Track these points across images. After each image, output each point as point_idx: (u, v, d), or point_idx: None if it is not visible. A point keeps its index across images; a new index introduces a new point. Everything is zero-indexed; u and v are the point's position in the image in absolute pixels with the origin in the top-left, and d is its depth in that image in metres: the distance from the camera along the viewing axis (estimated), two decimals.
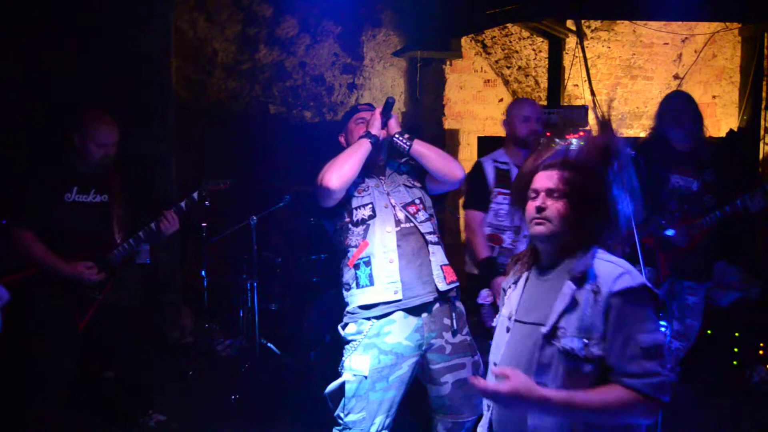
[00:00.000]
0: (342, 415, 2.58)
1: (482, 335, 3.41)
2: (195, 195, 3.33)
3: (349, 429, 2.57)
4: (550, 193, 1.79)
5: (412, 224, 2.67)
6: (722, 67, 6.75)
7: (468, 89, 6.82)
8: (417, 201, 2.75)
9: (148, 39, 4.61)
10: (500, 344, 1.85)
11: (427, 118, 6.40)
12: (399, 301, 2.56)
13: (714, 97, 6.79)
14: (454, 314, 2.66)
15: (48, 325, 3.16)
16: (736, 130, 5.62)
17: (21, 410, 3.21)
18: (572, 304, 1.69)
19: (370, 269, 2.59)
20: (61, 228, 3.18)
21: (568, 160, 1.83)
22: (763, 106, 5.48)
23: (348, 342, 2.63)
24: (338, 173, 2.58)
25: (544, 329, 1.71)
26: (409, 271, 2.60)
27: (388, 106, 2.73)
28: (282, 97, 5.98)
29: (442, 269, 2.66)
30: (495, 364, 1.85)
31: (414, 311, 2.60)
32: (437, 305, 2.64)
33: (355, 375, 2.56)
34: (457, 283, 2.73)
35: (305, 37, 5.93)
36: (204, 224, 4.58)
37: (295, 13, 5.82)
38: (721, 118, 6.71)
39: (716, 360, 4.44)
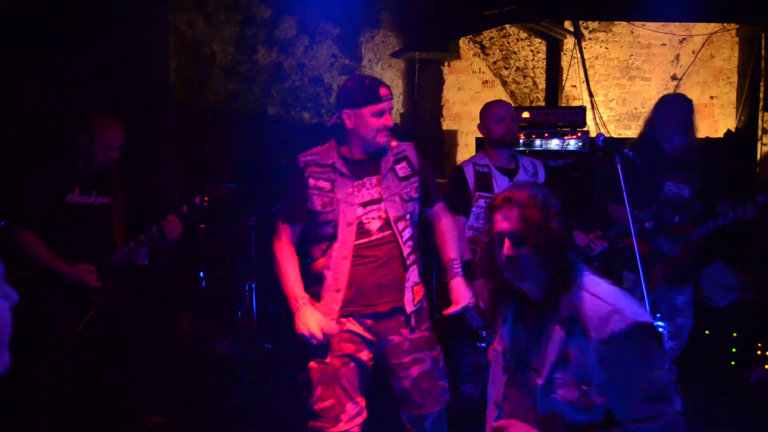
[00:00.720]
0: (312, 402, 2.63)
1: (468, 335, 3.46)
2: (197, 199, 3.33)
3: (321, 417, 2.60)
4: (513, 238, 1.68)
5: (390, 238, 2.61)
6: (720, 68, 6.75)
7: (466, 90, 6.83)
8: (408, 216, 2.67)
9: (147, 40, 4.62)
10: (499, 384, 1.78)
11: (425, 119, 6.40)
12: (344, 315, 2.62)
13: (712, 97, 6.80)
14: (413, 314, 2.67)
15: (47, 326, 3.16)
16: (733, 130, 5.63)
17: (20, 411, 3.21)
18: (564, 353, 1.59)
19: (320, 287, 2.64)
20: (62, 229, 3.18)
21: (517, 196, 1.72)
22: (760, 107, 5.49)
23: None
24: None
25: (540, 380, 1.62)
26: (358, 289, 2.59)
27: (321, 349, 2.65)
28: (280, 98, 5.98)
29: (413, 290, 2.66)
30: (496, 404, 1.79)
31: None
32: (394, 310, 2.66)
33: (318, 362, 2.62)
34: (424, 300, 2.74)
35: (304, 39, 5.94)
36: (202, 226, 4.58)
37: (293, 14, 5.83)
38: (719, 119, 6.72)
39: (714, 360, 4.44)
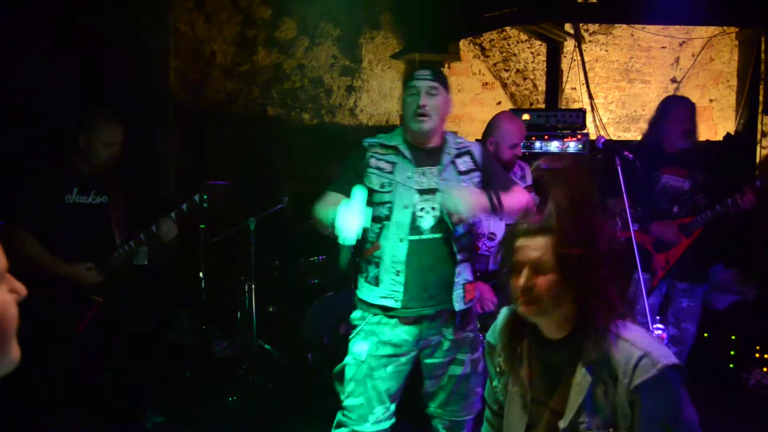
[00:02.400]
0: (343, 397, 2.62)
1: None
2: (196, 198, 3.33)
3: (349, 412, 2.59)
4: (535, 267, 1.55)
5: (439, 234, 2.56)
6: (719, 71, 6.76)
7: (466, 92, 6.84)
8: None
9: (147, 40, 4.62)
10: (519, 425, 1.68)
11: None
12: (398, 309, 2.56)
13: (711, 100, 6.81)
14: (458, 312, 2.63)
15: (47, 327, 3.15)
16: (733, 133, 5.64)
17: (19, 411, 3.20)
18: (591, 397, 1.53)
19: (378, 271, 2.57)
20: (61, 229, 3.18)
21: (554, 224, 1.55)
22: (760, 110, 5.49)
23: (354, 326, 2.66)
24: (314, 224, 2.61)
25: (562, 424, 1.56)
26: (419, 284, 2.55)
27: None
28: (280, 99, 5.98)
29: (464, 288, 2.62)
30: None
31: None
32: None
33: (354, 359, 2.60)
34: (474, 300, 2.71)
35: (304, 40, 5.94)
36: (202, 226, 4.58)
37: (293, 15, 5.83)
38: (718, 122, 6.72)
39: (713, 362, 4.45)
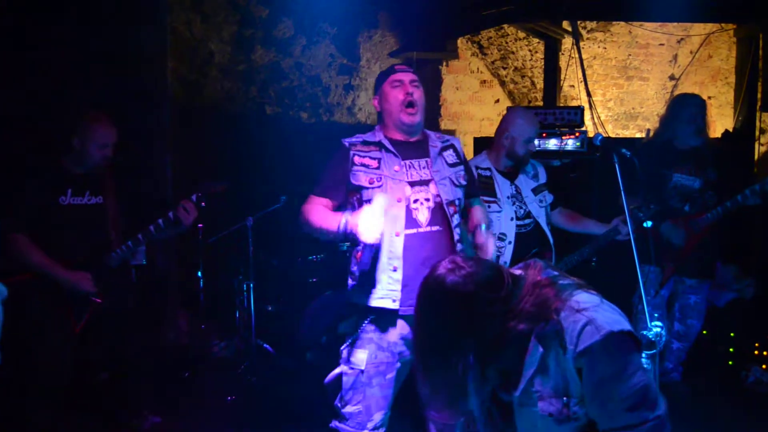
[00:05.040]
0: (339, 405, 2.59)
1: None
2: (193, 197, 3.32)
3: (347, 420, 2.57)
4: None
5: (437, 227, 2.54)
6: (718, 68, 6.76)
7: (464, 90, 6.83)
8: (457, 202, 2.61)
9: (144, 39, 4.61)
10: (477, 396, 1.72)
11: (423, 118, 6.40)
12: (397, 309, 2.52)
13: (709, 97, 6.81)
14: None
15: (44, 328, 3.15)
16: (731, 130, 5.64)
17: (17, 412, 3.20)
18: (542, 367, 1.56)
19: (375, 270, 2.53)
20: (57, 231, 3.17)
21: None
22: (758, 107, 5.49)
23: (347, 333, 2.61)
24: (309, 230, 2.57)
25: (515, 392, 1.60)
26: (418, 280, 2.51)
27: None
28: (278, 98, 5.98)
29: None
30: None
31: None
32: None
33: (352, 368, 2.56)
34: None
35: (301, 39, 5.94)
36: (200, 225, 4.58)
37: (291, 14, 5.82)
38: (716, 119, 6.73)
39: (712, 360, 4.45)
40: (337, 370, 2.61)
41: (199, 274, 4.69)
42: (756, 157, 5.70)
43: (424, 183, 2.57)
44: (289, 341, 4.65)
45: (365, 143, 2.63)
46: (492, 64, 6.85)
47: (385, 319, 2.55)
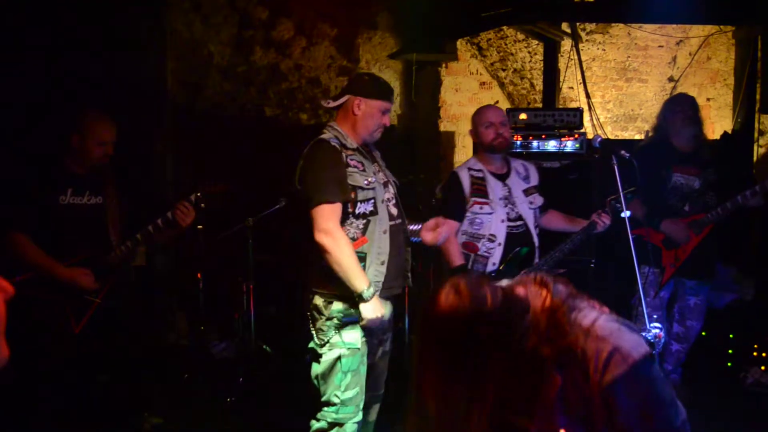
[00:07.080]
0: (339, 393, 2.65)
1: None
2: (192, 197, 3.33)
3: (345, 407, 2.65)
4: None
5: (401, 220, 2.84)
6: (716, 70, 6.77)
7: (464, 92, 6.84)
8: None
9: (144, 40, 4.62)
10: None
11: (422, 120, 6.40)
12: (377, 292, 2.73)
13: (708, 99, 6.82)
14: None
15: (45, 327, 3.15)
16: (730, 132, 5.65)
17: (19, 412, 3.20)
18: (563, 398, 1.49)
19: (363, 265, 2.69)
20: (57, 231, 3.17)
21: None
22: (757, 109, 5.50)
23: (331, 318, 2.69)
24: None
25: (533, 428, 1.51)
26: (393, 267, 2.77)
27: None
28: (277, 99, 5.98)
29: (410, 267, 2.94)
30: None
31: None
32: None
33: (349, 348, 2.66)
34: None
35: (301, 40, 5.94)
36: (200, 226, 4.58)
37: (290, 15, 5.83)
38: (715, 121, 6.74)
39: (711, 361, 4.45)
40: (331, 358, 2.66)
41: (199, 275, 4.69)
42: (755, 158, 5.70)
43: (386, 184, 2.86)
44: (289, 343, 4.65)
45: (346, 148, 2.78)
46: (491, 65, 6.85)
47: None
